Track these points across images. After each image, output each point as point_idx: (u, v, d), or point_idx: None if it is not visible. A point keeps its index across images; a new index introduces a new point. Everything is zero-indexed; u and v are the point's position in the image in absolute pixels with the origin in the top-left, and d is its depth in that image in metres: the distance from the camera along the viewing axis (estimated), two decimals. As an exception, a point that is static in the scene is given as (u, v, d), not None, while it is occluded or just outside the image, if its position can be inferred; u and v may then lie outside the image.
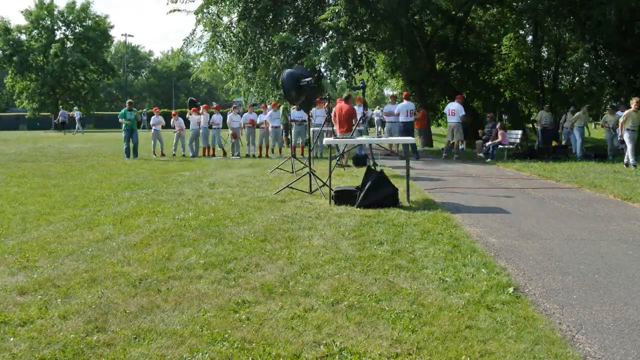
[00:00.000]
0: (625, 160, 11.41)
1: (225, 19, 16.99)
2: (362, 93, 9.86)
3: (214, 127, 15.36)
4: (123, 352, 2.75)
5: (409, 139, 8.82)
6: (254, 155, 15.27)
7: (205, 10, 16.51)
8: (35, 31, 45.60)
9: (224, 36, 16.92)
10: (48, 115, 46.66)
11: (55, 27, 46.57)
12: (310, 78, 7.72)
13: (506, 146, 14.56)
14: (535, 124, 20.39)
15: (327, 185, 7.49)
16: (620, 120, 11.73)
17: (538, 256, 4.58)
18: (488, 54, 21.30)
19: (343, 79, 19.56)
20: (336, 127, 10.64)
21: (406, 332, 2.96)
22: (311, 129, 9.10)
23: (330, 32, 15.58)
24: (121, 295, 3.55)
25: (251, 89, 19.23)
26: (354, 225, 5.59)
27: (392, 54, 18.90)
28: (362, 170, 9.90)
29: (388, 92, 37.27)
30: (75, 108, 32.99)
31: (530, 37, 22.21)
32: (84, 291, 3.64)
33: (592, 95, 20.65)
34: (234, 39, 16.75)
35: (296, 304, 3.39)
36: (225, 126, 15.70)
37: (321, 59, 14.74)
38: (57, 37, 46.14)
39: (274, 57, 16.60)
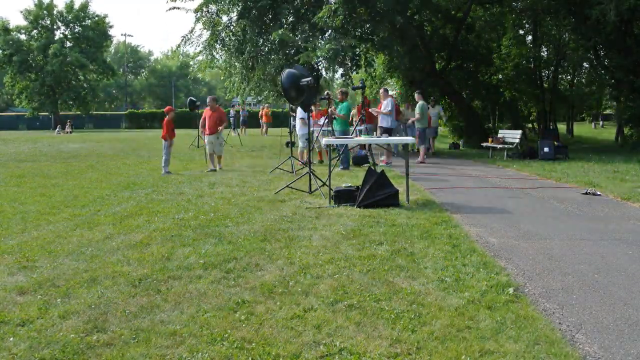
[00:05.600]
0: None
1: (225, 18, 16.97)
2: (361, 93, 9.85)
3: None
4: (123, 352, 2.75)
5: (408, 139, 8.82)
6: None
7: (204, 9, 16.49)
8: (34, 31, 45.56)
9: (223, 35, 16.88)
10: (47, 115, 46.67)
11: (55, 27, 46.53)
12: (310, 78, 7.72)
13: (506, 146, 14.58)
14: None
15: (327, 185, 7.49)
16: None
17: (538, 256, 4.58)
18: (488, 53, 21.29)
19: (341, 78, 19.56)
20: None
21: (406, 331, 2.96)
22: (311, 129, 9.08)
23: (330, 31, 15.55)
24: (121, 295, 3.55)
25: (247, 88, 19.16)
26: (354, 225, 5.59)
27: (391, 53, 18.87)
28: (362, 170, 9.91)
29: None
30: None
31: (529, 37, 22.21)
32: (84, 291, 3.64)
33: (591, 95, 20.65)
34: (232, 38, 16.72)
35: (296, 303, 3.39)
36: None
37: (318, 54, 14.67)
38: (57, 37, 46.10)
39: (273, 56, 16.57)
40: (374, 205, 6.54)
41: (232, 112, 27.15)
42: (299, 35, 16.45)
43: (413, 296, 3.51)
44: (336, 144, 9.14)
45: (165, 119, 11.02)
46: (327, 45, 14.23)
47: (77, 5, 46.14)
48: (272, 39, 15.24)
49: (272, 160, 13.40)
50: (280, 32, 14.73)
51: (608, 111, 34.47)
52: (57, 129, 35.23)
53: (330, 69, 16.54)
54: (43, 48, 43.79)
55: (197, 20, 16.81)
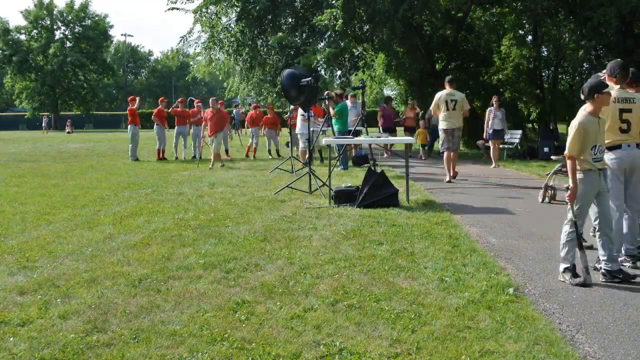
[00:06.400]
0: None
1: (224, 19, 16.97)
2: (361, 93, 9.85)
3: None
4: (123, 352, 2.74)
5: (408, 139, 8.82)
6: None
7: (203, 10, 16.49)
8: (34, 31, 45.61)
9: (221, 36, 16.89)
10: (47, 115, 46.71)
11: (55, 27, 46.58)
12: (310, 78, 7.72)
13: (506, 146, 14.58)
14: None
15: (327, 185, 7.49)
16: None
17: (538, 256, 4.58)
18: (488, 53, 21.28)
19: (339, 80, 19.57)
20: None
21: (406, 332, 2.96)
22: (311, 129, 9.08)
23: (329, 33, 15.56)
24: (121, 295, 3.55)
25: (246, 89, 19.22)
26: (354, 225, 5.59)
27: (391, 54, 18.86)
28: (362, 170, 9.90)
29: (387, 91, 37.05)
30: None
31: (530, 37, 22.19)
32: (84, 291, 3.64)
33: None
34: (231, 39, 16.73)
35: (296, 303, 3.39)
36: None
37: (318, 57, 14.68)
38: (57, 37, 46.15)
39: (271, 57, 16.59)
40: (374, 205, 6.54)
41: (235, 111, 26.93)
42: (298, 37, 16.47)
43: (413, 296, 3.51)
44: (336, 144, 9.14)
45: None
46: (327, 49, 14.27)
47: (77, 6, 46.19)
48: (270, 42, 15.31)
49: (272, 160, 13.41)
50: (279, 35, 14.77)
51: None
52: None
53: (329, 71, 16.58)
54: (43, 48, 43.83)
55: (196, 21, 16.82)
